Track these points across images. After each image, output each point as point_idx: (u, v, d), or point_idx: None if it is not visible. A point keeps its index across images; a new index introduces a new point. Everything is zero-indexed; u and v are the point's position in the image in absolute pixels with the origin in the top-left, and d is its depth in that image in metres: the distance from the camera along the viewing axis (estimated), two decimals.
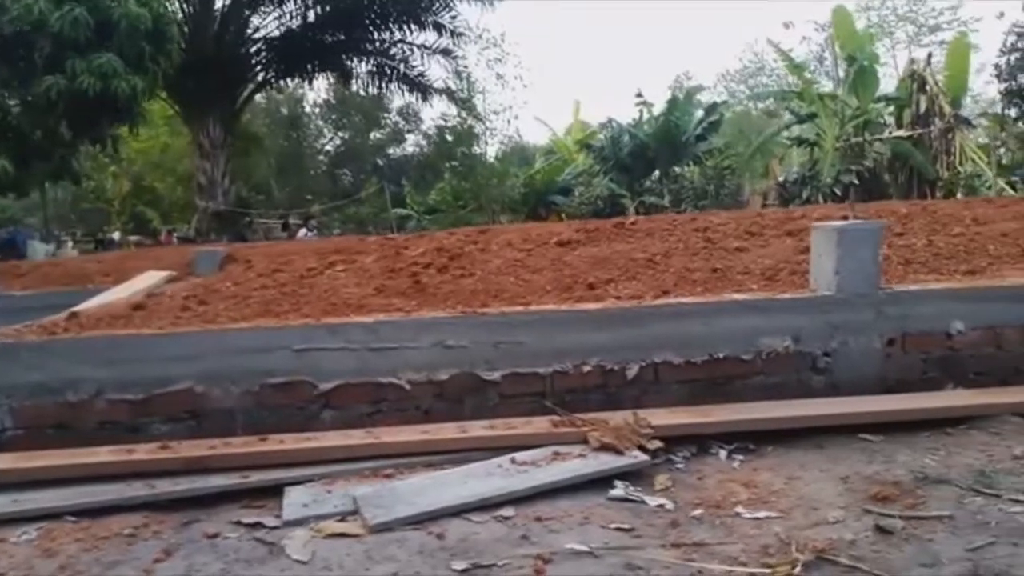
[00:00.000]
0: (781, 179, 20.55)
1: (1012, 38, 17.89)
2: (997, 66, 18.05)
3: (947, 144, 17.64)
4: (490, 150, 29.13)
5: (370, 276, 4.37)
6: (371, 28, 25.21)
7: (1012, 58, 17.86)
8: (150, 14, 14.13)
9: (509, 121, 31.58)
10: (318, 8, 24.70)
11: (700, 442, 3.28)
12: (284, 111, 38.44)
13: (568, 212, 24.26)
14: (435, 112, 32.64)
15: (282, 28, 24.89)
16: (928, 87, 17.80)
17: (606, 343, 3.49)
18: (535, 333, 3.45)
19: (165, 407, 3.24)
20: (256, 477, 2.95)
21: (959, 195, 16.73)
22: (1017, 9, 21.06)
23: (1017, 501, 2.58)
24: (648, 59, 67.59)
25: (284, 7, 24.56)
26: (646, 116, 25.60)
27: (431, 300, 3.86)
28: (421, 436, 3.15)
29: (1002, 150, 19.46)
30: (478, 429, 3.20)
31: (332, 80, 30.64)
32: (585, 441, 3.12)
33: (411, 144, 39.98)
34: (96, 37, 13.50)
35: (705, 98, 32.04)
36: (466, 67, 25.80)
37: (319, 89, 35.06)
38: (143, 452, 3.00)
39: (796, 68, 20.44)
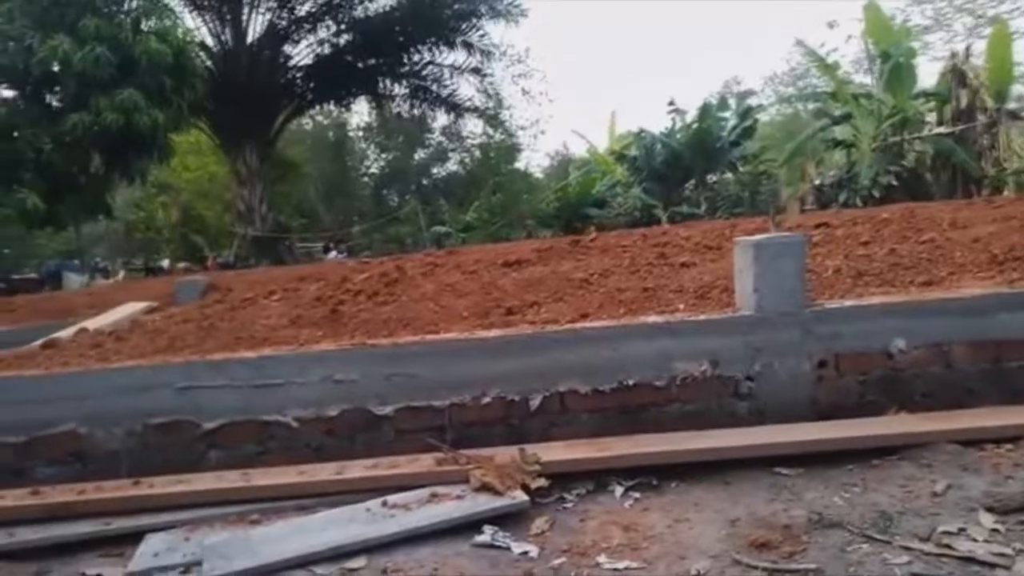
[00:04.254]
0: (817, 182, 19.81)
1: None
2: None
3: (992, 139, 16.73)
4: (535, 164, 29.16)
5: (295, 306, 4.27)
6: (402, 51, 25.52)
7: None
8: (171, 49, 14.56)
9: (536, 136, 31.56)
10: (349, 35, 25.16)
11: (600, 478, 3.06)
12: (329, 135, 39.27)
13: (604, 224, 23.99)
14: (471, 130, 32.25)
15: (314, 56, 25.43)
16: (969, 81, 16.94)
17: (507, 373, 3.30)
18: (430, 364, 3.28)
19: (48, 450, 3.18)
20: (118, 524, 2.85)
21: (1007, 192, 15.83)
22: None
23: (907, 548, 2.29)
24: (695, 66, 66.74)
25: (316, 34, 25.10)
26: (679, 124, 25.14)
27: (340, 330, 3.73)
28: (295, 478, 3.00)
29: None
30: (357, 469, 3.04)
31: (369, 104, 31.05)
32: (468, 481, 2.94)
33: (454, 162, 40.42)
34: (119, 74, 13.97)
35: (754, 102, 31.41)
36: (492, 84, 25.77)
37: (362, 113, 35.65)
38: (11, 499, 2.94)
39: (827, 68, 19.74)
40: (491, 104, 26.48)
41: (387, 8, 24.36)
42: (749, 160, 22.73)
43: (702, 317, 3.39)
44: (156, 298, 7.19)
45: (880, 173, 17.78)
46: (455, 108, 27.18)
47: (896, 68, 17.92)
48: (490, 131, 32.00)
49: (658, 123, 26.96)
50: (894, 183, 17.47)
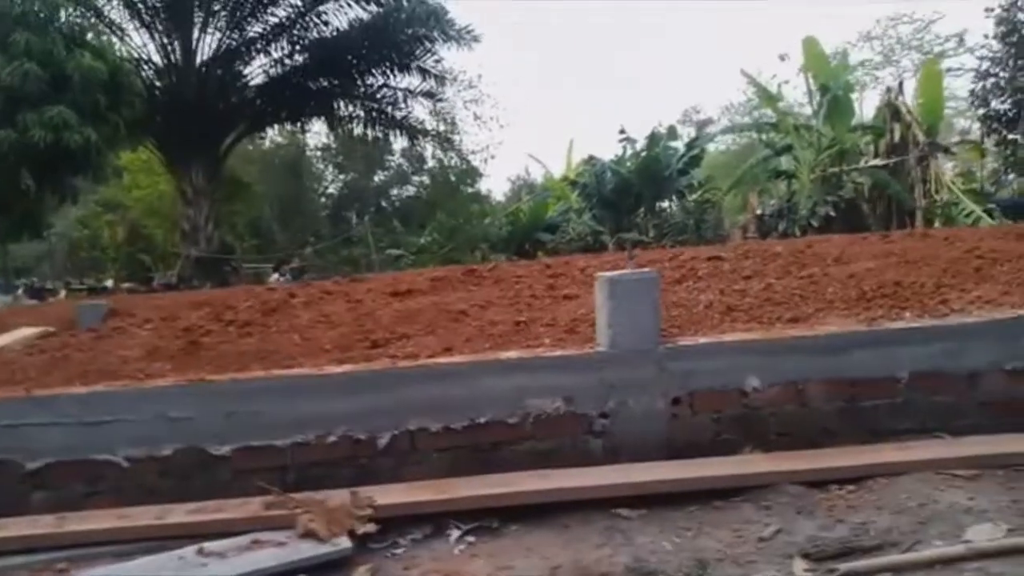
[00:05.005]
0: (759, 212, 20.15)
1: (986, 64, 17.56)
2: (972, 92, 17.69)
3: (923, 173, 17.19)
4: (496, 189, 29.31)
5: (160, 336, 4.12)
6: (357, 73, 25.45)
7: (987, 83, 17.48)
8: (106, 66, 14.28)
9: (486, 161, 31.82)
10: (303, 56, 25.00)
11: (440, 521, 2.95)
12: (283, 155, 38.87)
13: (557, 249, 24.05)
14: (430, 153, 32.27)
15: (266, 76, 25.21)
16: (902, 115, 17.43)
17: (354, 410, 3.19)
18: (273, 401, 3.16)
19: None
20: None
21: (937, 224, 16.25)
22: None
23: None
24: (657, 94, 67.87)
25: (269, 55, 24.88)
26: (629, 152, 25.44)
27: (192, 363, 3.59)
28: (114, 523, 2.85)
29: (984, 174, 18.98)
30: (180, 514, 2.90)
31: (327, 125, 30.82)
32: (295, 526, 2.81)
33: (414, 185, 40.38)
34: (51, 90, 13.63)
35: (712, 130, 31.97)
36: (445, 108, 25.86)
37: (320, 133, 35.43)
38: None
39: (770, 99, 20.17)
40: (444, 128, 26.51)
41: (341, 30, 24.29)
42: (695, 189, 23.04)
43: (557, 353, 3.33)
44: (57, 322, 6.93)
45: (819, 203, 18.15)
46: (410, 131, 27.15)
47: (834, 101, 18.38)
48: (450, 155, 32.08)
49: (614, 151, 27.36)
50: (832, 213, 17.84)
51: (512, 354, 3.35)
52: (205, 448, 3.11)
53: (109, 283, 30.54)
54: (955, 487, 2.91)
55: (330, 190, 43.08)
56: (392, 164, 40.64)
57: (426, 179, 38.12)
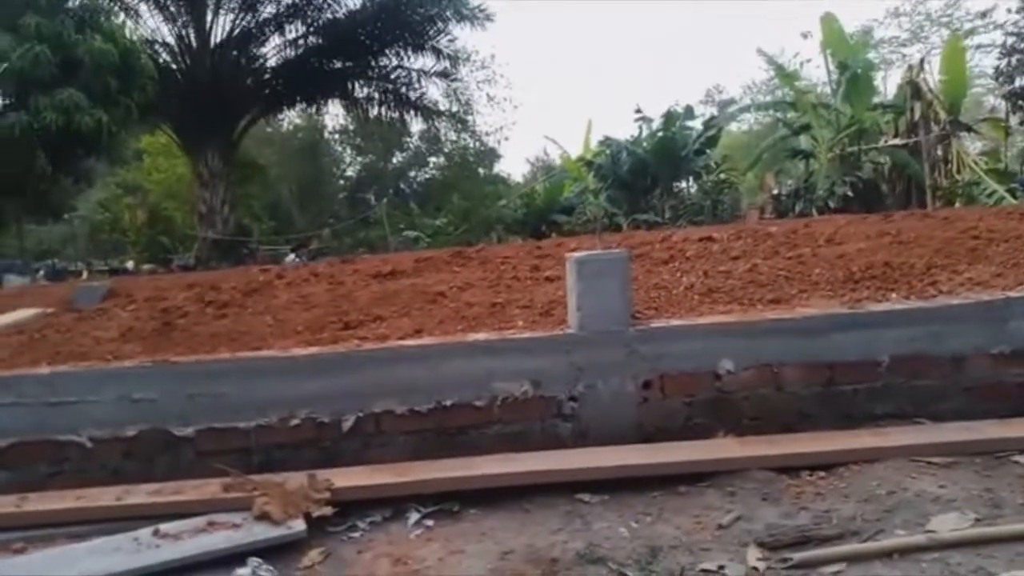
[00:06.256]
0: (775, 192, 19.83)
1: (1012, 39, 17.04)
2: (997, 68, 17.19)
3: (944, 151, 16.79)
4: (515, 170, 29.24)
5: (137, 318, 4.12)
6: (371, 54, 25.37)
7: (1013, 59, 16.98)
8: (117, 49, 14.34)
9: (499, 142, 31.64)
10: (317, 37, 24.93)
11: (400, 504, 2.92)
12: (301, 137, 38.94)
13: (570, 231, 23.91)
14: (447, 135, 32.18)
15: (281, 58, 25.20)
16: (923, 93, 17.00)
17: (318, 392, 3.16)
18: (236, 383, 3.14)
19: None
20: None
21: (958, 204, 15.88)
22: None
23: None
24: (679, 74, 66.94)
25: (283, 36, 24.84)
26: (645, 132, 25.14)
27: (163, 345, 3.58)
28: (73, 503, 2.85)
29: (1010, 155, 18.49)
30: (140, 495, 2.89)
31: (343, 106, 30.76)
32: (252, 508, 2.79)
33: (432, 167, 40.29)
34: (61, 74, 13.73)
35: (734, 110, 31.47)
36: (459, 88, 25.71)
37: (338, 115, 35.43)
38: None
39: (787, 78, 19.78)
40: (459, 108, 26.36)
41: (354, 10, 24.17)
42: (712, 169, 22.73)
43: (525, 335, 3.27)
44: (59, 304, 6.99)
45: (837, 183, 17.82)
46: (424, 111, 27.05)
47: (854, 79, 17.99)
48: (463, 136, 31.99)
49: (632, 131, 27.10)
50: (850, 194, 17.52)
51: (480, 336, 3.30)
52: (169, 429, 3.11)
53: (130, 264, 30.99)
54: (928, 475, 2.81)
55: (348, 172, 43.14)
56: (410, 146, 40.53)
57: (443, 160, 38.05)
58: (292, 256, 22.77)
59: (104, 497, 2.89)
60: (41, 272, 25.47)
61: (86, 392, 3.08)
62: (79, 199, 29.02)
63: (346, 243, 30.89)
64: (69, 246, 37.28)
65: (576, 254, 3.29)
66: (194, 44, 22.98)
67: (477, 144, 31.22)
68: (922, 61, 17.30)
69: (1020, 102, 17.21)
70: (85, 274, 28.04)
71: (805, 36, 40.89)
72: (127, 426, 3.10)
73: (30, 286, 16.37)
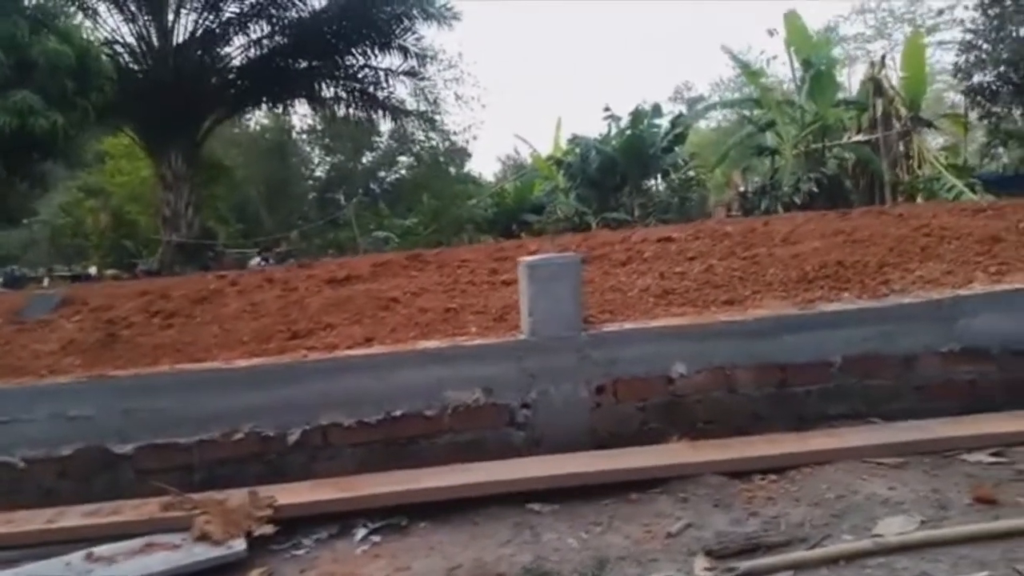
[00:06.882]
0: (742, 189, 19.99)
1: (970, 36, 17.34)
2: (956, 65, 17.48)
3: (906, 147, 17.03)
4: (486, 169, 29.16)
5: (80, 329, 3.99)
6: (337, 54, 25.11)
7: (971, 56, 17.28)
8: (73, 50, 13.98)
9: (468, 141, 31.60)
10: (282, 37, 24.60)
11: (347, 520, 2.85)
12: (267, 138, 38.44)
13: (540, 230, 23.89)
14: (416, 134, 31.97)
15: (245, 57, 24.83)
16: (884, 89, 17.23)
17: (261, 405, 3.07)
18: (176, 397, 3.04)
19: None
20: None
21: (919, 199, 16.12)
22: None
23: None
24: (648, 71, 67.30)
25: (248, 35, 24.47)
26: (614, 130, 25.18)
27: (105, 357, 3.46)
28: (1, 528, 2.73)
29: (970, 150, 18.82)
30: (75, 517, 2.78)
31: (310, 106, 30.38)
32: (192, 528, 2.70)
33: (402, 167, 40.01)
34: (15, 75, 13.35)
35: (703, 107, 31.60)
36: (427, 87, 25.57)
37: (307, 115, 35.01)
38: None
39: (752, 75, 19.94)
40: (427, 108, 26.20)
41: (319, 9, 23.89)
42: (680, 167, 22.84)
43: (476, 342, 3.21)
44: (7, 314, 6.78)
45: (802, 180, 17.98)
46: (392, 111, 26.85)
47: (817, 76, 18.15)
48: (431, 135, 31.77)
49: (601, 129, 27.14)
50: (815, 190, 17.68)
51: (430, 344, 3.23)
52: (107, 447, 3.00)
53: (93, 270, 30.29)
54: (878, 476, 2.81)
55: (318, 172, 42.65)
56: (380, 145, 40.23)
57: (412, 160, 37.81)
58: (257, 259, 22.45)
59: (36, 520, 2.78)
60: None
61: (18, 410, 2.96)
62: (40, 203, 28.41)
63: (315, 244, 30.58)
64: (30, 252, 36.45)
65: (527, 258, 3.24)
66: (156, 44, 22.55)
67: (446, 143, 31.06)
68: (883, 58, 17.56)
69: (979, 98, 17.50)
70: (46, 281, 27.39)
71: (771, 33, 41.32)
72: (62, 445, 2.99)
73: None
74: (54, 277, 29.06)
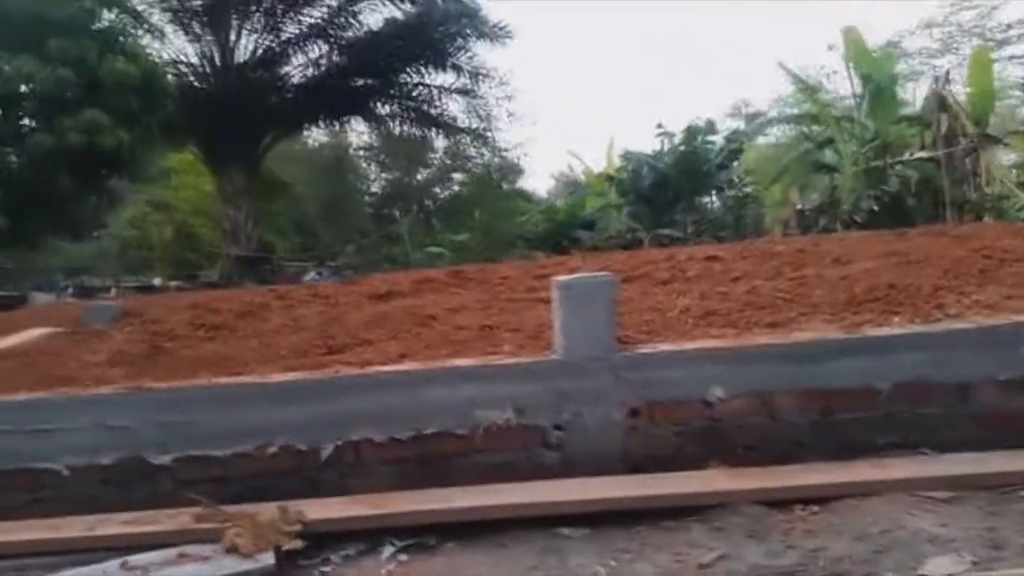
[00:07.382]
0: (799, 207, 19.54)
1: None
2: None
3: (973, 164, 16.41)
4: (541, 186, 29.26)
5: (128, 340, 4.10)
6: (393, 72, 25.59)
7: None
8: (139, 70, 14.57)
9: (518, 158, 31.72)
10: (340, 56, 25.20)
11: (376, 537, 2.84)
12: (324, 154, 39.29)
13: (592, 246, 23.79)
14: (470, 151, 32.29)
15: (304, 76, 25.50)
16: (949, 106, 16.66)
17: (294, 420, 3.09)
18: (210, 410, 3.08)
19: None
20: None
21: (986, 219, 15.49)
22: None
23: None
24: (707, 88, 66.67)
25: (307, 55, 25.15)
26: (667, 147, 24.97)
27: (148, 369, 3.54)
28: (43, 534, 2.81)
29: None
30: (113, 525, 2.84)
31: (367, 124, 30.93)
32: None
33: (457, 183, 40.44)
34: (84, 94, 13.98)
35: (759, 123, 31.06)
36: (481, 105, 25.79)
37: (364, 132, 35.71)
38: None
39: (808, 90, 19.54)
40: (479, 125, 26.44)
41: (376, 29, 24.41)
42: (735, 184, 22.50)
43: (508, 361, 3.18)
44: (71, 323, 7.03)
45: (862, 198, 17.51)
46: (446, 128, 27.24)
47: (877, 92, 17.71)
48: (483, 152, 32.03)
49: (654, 146, 27.03)
50: (875, 208, 17.19)
51: (461, 362, 3.21)
52: (145, 457, 3.06)
53: (158, 281, 31.42)
54: (928, 511, 2.66)
55: (374, 188, 43.38)
56: (434, 162, 40.73)
57: (465, 177, 38.13)
58: (313, 273, 22.90)
59: (77, 527, 2.84)
60: (70, 290, 25.92)
61: (63, 419, 3.04)
62: (109, 217, 29.56)
63: (370, 259, 31.09)
64: (100, 263, 37.95)
65: (561, 278, 3.20)
66: (218, 64, 23.36)
67: (498, 160, 31.25)
68: (947, 73, 16.99)
69: None
70: (113, 291, 28.50)
71: (830, 48, 40.45)
72: (104, 454, 3.05)
73: (54, 304, 16.63)
74: (121, 288, 30.23)
